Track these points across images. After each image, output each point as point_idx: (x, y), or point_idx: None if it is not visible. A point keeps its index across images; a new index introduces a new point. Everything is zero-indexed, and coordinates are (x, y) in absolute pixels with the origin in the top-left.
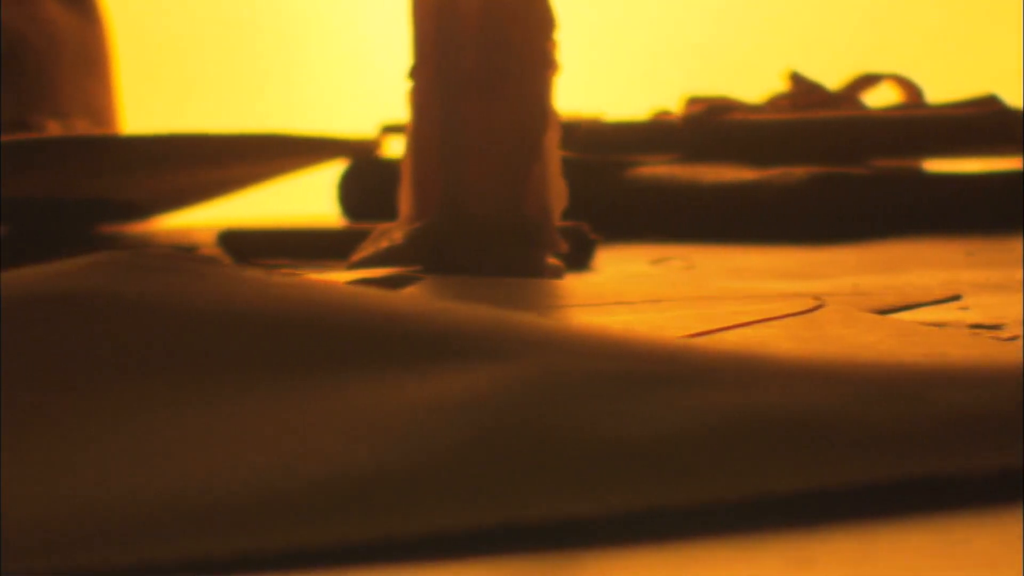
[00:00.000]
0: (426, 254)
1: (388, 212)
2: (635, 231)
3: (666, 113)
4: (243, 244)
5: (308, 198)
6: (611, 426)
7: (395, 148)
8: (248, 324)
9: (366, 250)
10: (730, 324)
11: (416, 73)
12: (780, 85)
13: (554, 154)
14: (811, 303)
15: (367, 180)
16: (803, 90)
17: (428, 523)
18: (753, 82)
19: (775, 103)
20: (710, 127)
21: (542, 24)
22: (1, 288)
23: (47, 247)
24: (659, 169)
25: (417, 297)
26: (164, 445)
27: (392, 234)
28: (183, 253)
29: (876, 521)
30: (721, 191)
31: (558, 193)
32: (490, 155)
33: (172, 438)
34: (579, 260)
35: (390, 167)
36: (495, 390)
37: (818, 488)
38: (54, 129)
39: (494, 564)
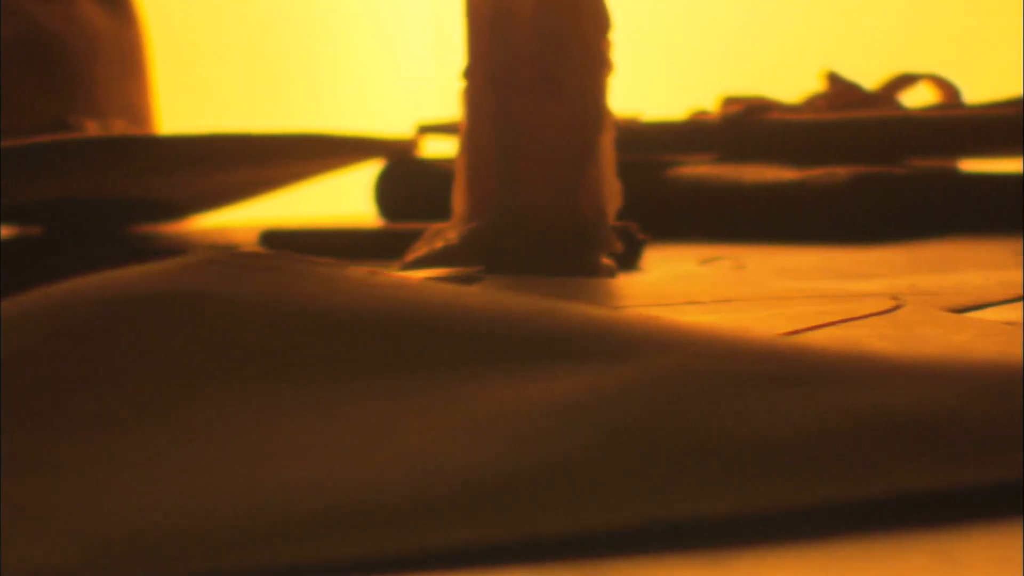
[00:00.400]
0: (482, 254)
1: (425, 212)
2: (676, 231)
3: (703, 113)
4: (286, 244)
5: (341, 198)
6: (742, 426)
7: (432, 148)
8: (364, 324)
9: (421, 250)
10: (816, 324)
11: (470, 73)
12: (816, 85)
13: (609, 154)
14: (891, 303)
15: (404, 180)
16: (840, 90)
17: (564, 524)
18: (787, 82)
19: (812, 103)
20: (748, 127)
21: (597, 23)
22: (103, 288)
23: (81, 247)
24: (699, 169)
25: (522, 296)
26: (289, 447)
27: (446, 234)
28: (283, 253)
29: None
30: (763, 191)
31: (613, 193)
32: (546, 155)
33: (297, 440)
34: (628, 260)
35: (427, 167)
36: (621, 390)
37: (951, 487)
38: (93, 129)
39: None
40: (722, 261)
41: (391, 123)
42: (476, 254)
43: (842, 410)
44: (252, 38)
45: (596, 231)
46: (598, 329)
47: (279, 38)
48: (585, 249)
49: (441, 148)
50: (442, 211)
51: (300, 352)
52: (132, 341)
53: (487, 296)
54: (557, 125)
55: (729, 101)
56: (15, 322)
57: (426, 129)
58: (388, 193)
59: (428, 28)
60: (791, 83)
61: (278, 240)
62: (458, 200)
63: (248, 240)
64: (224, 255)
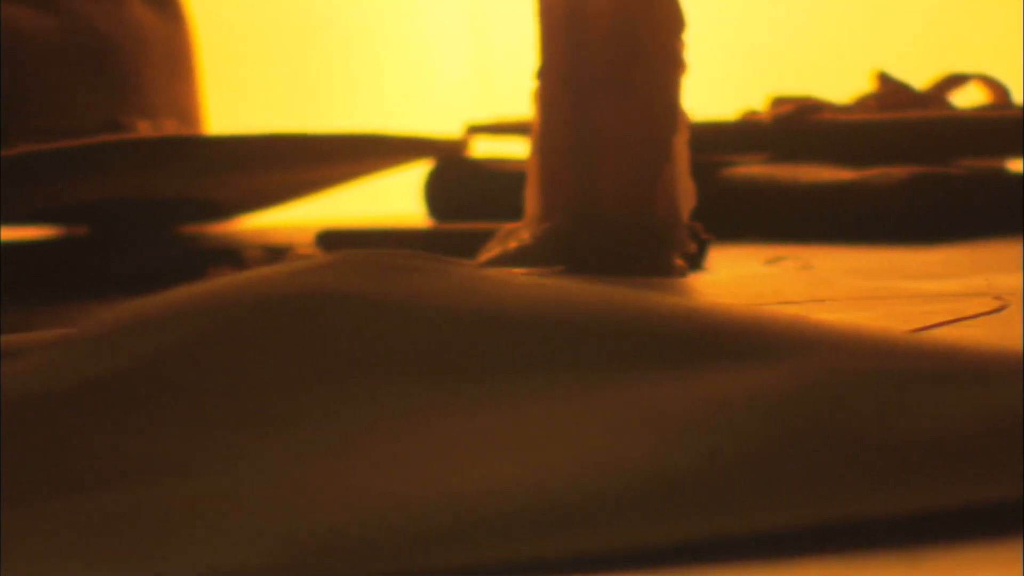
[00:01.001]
0: (557, 254)
1: (476, 212)
2: (730, 231)
3: (754, 113)
4: (342, 244)
5: (384, 198)
6: (910, 425)
7: (481, 148)
8: (515, 324)
9: (494, 250)
10: (928, 324)
11: (543, 74)
12: (865, 85)
13: (683, 154)
14: (995, 303)
15: (454, 180)
16: (891, 90)
17: (744, 522)
18: (831, 82)
19: (863, 103)
20: (800, 127)
21: (671, 23)
22: (246, 288)
23: (127, 247)
24: (753, 169)
25: (660, 294)
26: (458, 447)
27: (520, 234)
28: (419, 253)
29: None
30: (820, 190)
31: (687, 193)
32: (621, 155)
33: (466, 440)
34: (693, 260)
35: (477, 167)
36: (783, 389)
37: None
38: (145, 129)
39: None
40: (787, 261)
41: (427, 123)
42: (552, 254)
43: (999, 408)
44: (286, 37)
45: (671, 231)
46: (749, 328)
47: (315, 37)
48: (660, 249)
49: (490, 148)
50: (492, 211)
51: (454, 352)
52: (284, 340)
53: (627, 294)
54: (632, 125)
55: (778, 101)
56: (163, 322)
57: (474, 129)
58: (438, 193)
59: (465, 28)
60: (834, 83)
61: (334, 240)
62: (531, 200)
63: (304, 240)
64: (361, 256)
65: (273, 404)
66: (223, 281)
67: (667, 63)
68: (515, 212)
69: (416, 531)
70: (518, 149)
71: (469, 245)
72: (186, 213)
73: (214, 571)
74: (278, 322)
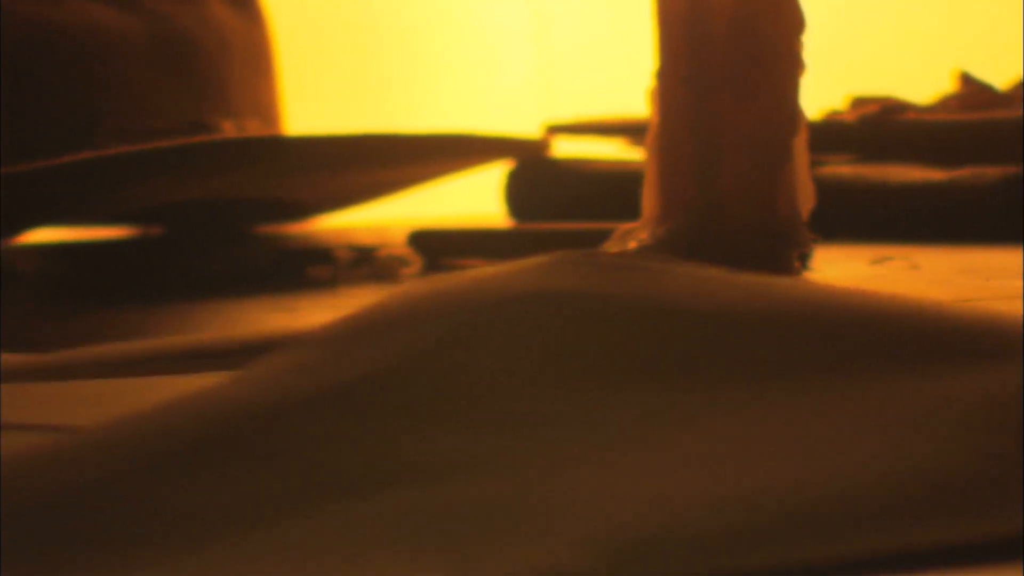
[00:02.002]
0: (680, 254)
1: (557, 213)
2: (823, 231)
3: (837, 113)
4: (437, 244)
5: (455, 198)
6: None
7: (562, 148)
8: (755, 324)
9: (612, 249)
10: None
11: (663, 74)
12: (949, 85)
13: (803, 154)
14: None
15: (536, 180)
16: (973, 91)
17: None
18: (908, 82)
19: (945, 103)
20: (885, 127)
21: (792, 23)
22: (480, 288)
23: (202, 247)
24: (842, 169)
25: (880, 294)
26: (734, 448)
27: (638, 234)
28: (640, 253)
29: None
30: (912, 190)
31: (806, 193)
32: (743, 155)
33: (740, 441)
34: (801, 261)
35: (560, 167)
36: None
37: None
38: (229, 130)
39: None
40: (894, 261)
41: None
42: (675, 254)
43: None
44: (347, 36)
45: (792, 230)
46: (977, 328)
47: (376, 36)
48: (781, 249)
49: (571, 148)
50: (575, 211)
51: (699, 353)
52: (531, 339)
53: (855, 293)
54: (754, 125)
55: (859, 101)
56: (406, 322)
57: (554, 129)
58: (519, 193)
59: (528, 28)
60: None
61: (427, 241)
62: (648, 200)
63: (390, 240)
64: (578, 255)
65: (538, 404)
66: (446, 281)
67: (788, 63)
68: (597, 212)
69: (730, 530)
70: (599, 149)
71: (562, 245)
72: (265, 213)
73: (539, 574)
74: (522, 321)
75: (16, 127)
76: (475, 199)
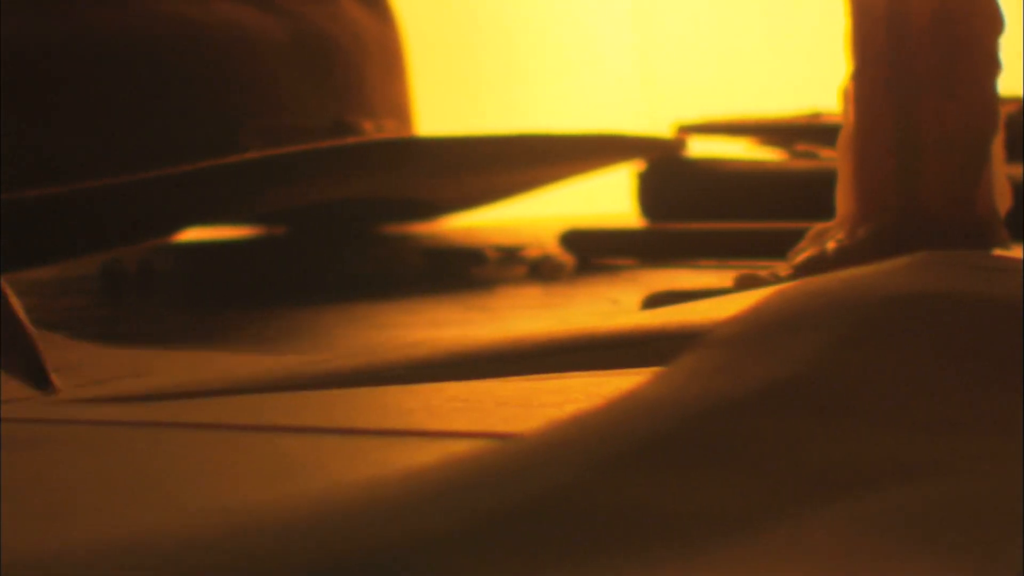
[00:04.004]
0: (881, 254)
1: (691, 212)
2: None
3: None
4: (587, 244)
5: (578, 197)
6: None
7: (696, 148)
8: None
9: (809, 251)
10: None
11: (860, 75)
12: None
13: (999, 154)
14: None
15: (671, 180)
16: None
17: None
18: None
19: None
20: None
21: (991, 23)
22: (858, 288)
23: (326, 247)
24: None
25: None
26: None
27: (834, 234)
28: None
29: None
30: None
31: (1003, 193)
32: (944, 155)
33: None
34: None
35: (694, 167)
36: None
37: None
38: (370, 130)
39: None
40: None
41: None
42: (876, 254)
43: None
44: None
45: (990, 231)
46: None
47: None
48: (983, 248)
49: (701, 148)
50: (709, 211)
51: None
52: (928, 340)
53: None
54: (955, 126)
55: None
56: (803, 323)
57: (685, 129)
58: (654, 193)
59: (629, 30)
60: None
61: (579, 240)
62: (844, 200)
63: (535, 239)
64: (944, 256)
65: (962, 406)
66: (819, 283)
67: (986, 63)
68: (732, 212)
69: None
70: (726, 149)
71: (715, 246)
72: (392, 213)
73: None
74: (915, 321)
75: (163, 127)
76: (591, 199)
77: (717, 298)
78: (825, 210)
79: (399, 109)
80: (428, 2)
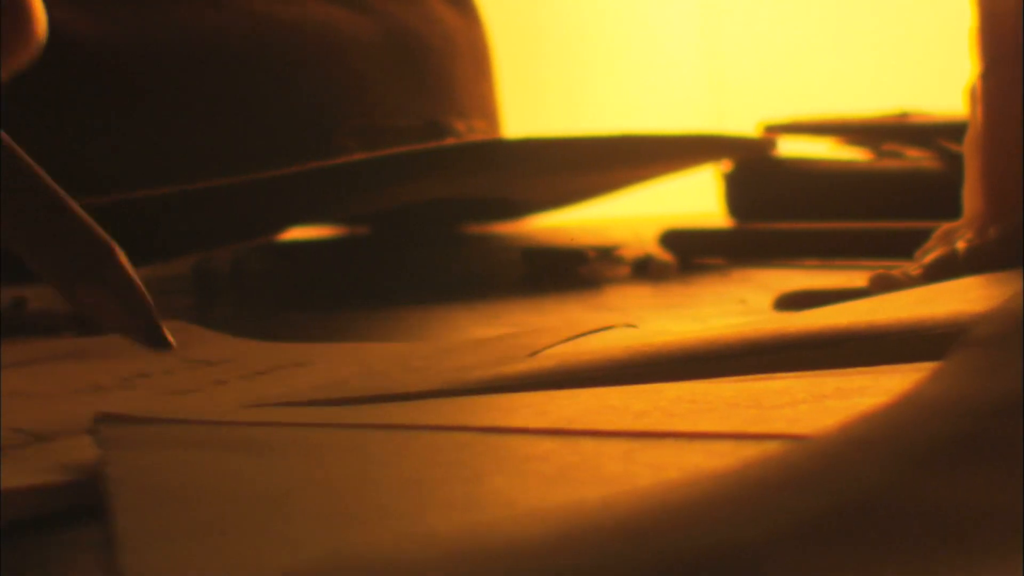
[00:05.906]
0: (1015, 254)
1: (779, 211)
2: None
3: None
4: (688, 243)
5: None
6: None
7: (785, 148)
8: None
9: (938, 251)
10: None
11: (990, 74)
12: None
13: None
14: None
15: (759, 179)
16: None
17: None
18: None
19: None
20: None
21: None
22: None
23: (417, 247)
24: None
25: None
26: None
27: (963, 233)
28: None
29: None
30: None
31: None
32: None
33: None
34: None
35: (783, 166)
36: None
37: None
38: (462, 130)
39: None
40: None
41: (660, 123)
42: (1009, 253)
43: None
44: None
45: None
46: None
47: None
48: None
49: (793, 148)
50: (797, 210)
51: None
52: None
53: None
54: None
55: None
56: None
57: (771, 128)
58: (742, 192)
59: (697, 27)
60: None
61: (681, 239)
62: (972, 200)
63: (626, 239)
64: None
65: None
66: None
67: None
68: (820, 211)
69: None
70: (810, 149)
71: (817, 244)
72: (476, 213)
73: None
74: None
75: (259, 128)
76: (667, 198)
77: (872, 299)
78: (913, 209)
79: (487, 109)
80: (498, 3)
